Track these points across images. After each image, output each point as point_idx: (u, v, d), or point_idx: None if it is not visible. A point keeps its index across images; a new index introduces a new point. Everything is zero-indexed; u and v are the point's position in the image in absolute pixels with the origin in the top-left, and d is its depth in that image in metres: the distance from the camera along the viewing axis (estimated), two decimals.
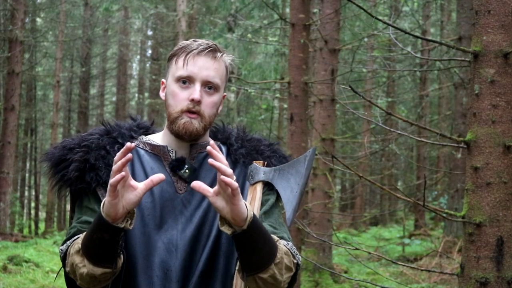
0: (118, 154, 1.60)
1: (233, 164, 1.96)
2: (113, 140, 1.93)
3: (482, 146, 2.95)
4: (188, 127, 1.85)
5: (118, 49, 24.34)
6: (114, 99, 27.12)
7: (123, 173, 1.58)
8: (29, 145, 23.63)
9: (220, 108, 1.95)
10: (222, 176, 1.58)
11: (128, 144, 1.58)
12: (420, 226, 15.51)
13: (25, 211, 23.28)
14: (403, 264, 3.42)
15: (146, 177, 1.87)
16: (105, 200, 1.64)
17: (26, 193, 24.68)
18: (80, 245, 1.73)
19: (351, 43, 10.36)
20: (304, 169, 1.85)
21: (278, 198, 1.97)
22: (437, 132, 3.27)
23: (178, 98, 1.86)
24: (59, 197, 1.93)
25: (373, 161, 19.26)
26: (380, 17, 6.84)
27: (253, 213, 1.68)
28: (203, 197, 1.86)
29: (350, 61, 10.72)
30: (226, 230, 1.67)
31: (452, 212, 3.16)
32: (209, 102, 1.87)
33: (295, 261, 1.84)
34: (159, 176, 1.65)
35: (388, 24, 3.24)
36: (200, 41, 1.90)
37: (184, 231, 1.85)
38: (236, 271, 1.80)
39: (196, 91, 1.85)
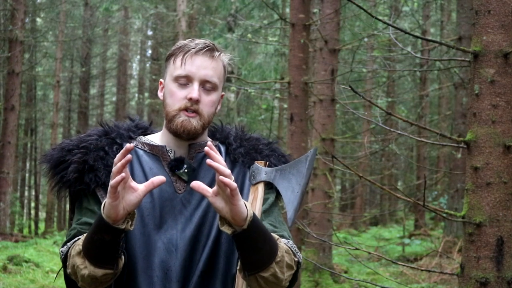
0: (118, 155, 1.59)
1: (232, 164, 1.96)
2: (112, 141, 1.93)
3: (482, 146, 2.95)
4: (186, 125, 1.85)
5: (118, 49, 24.34)
6: (114, 99, 27.12)
7: (123, 174, 1.58)
8: (29, 145, 23.63)
9: (219, 107, 1.95)
10: (220, 177, 1.58)
11: (127, 145, 1.58)
12: (420, 226, 15.51)
13: (25, 211, 23.29)
14: (403, 264, 3.42)
15: (145, 177, 1.87)
16: (106, 201, 1.64)
17: (26, 193, 24.68)
18: (81, 247, 1.73)
19: (351, 43, 10.36)
20: (305, 169, 1.85)
21: (278, 196, 1.97)
22: (437, 132, 3.27)
23: (176, 97, 1.87)
24: (59, 198, 1.93)
25: (373, 161, 19.26)
26: (380, 17, 6.84)
27: (253, 212, 1.68)
28: (203, 196, 1.86)
29: (350, 61, 10.72)
30: (226, 230, 1.68)
31: (452, 212, 3.16)
32: (207, 101, 1.88)
33: (296, 259, 1.84)
34: (159, 179, 1.65)
35: (388, 24, 3.24)
36: (197, 41, 1.90)
37: (184, 231, 1.84)
38: (237, 271, 1.80)
39: (194, 90, 1.85)
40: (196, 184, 1.63)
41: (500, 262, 2.90)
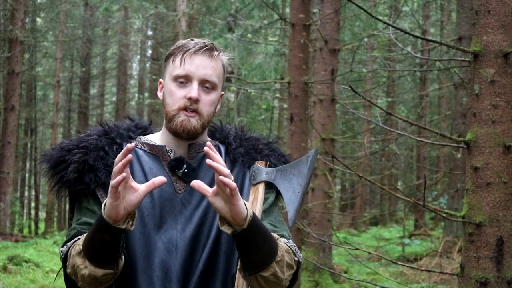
0: (119, 155, 1.59)
1: (232, 163, 1.96)
2: (112, 141, 1.93)
3: (482, 146, 2.95)
4: (186, 125, 1.85)
5: (118, 49, 24.34)
6: (114, 99, 27.13)
7: (124, 174, 1.58)
8: (29, 145, 23.64)
9: (218, 107, 1.95)
10: (220, 177, 1.58)
11: (128, 145, 1.58)
12: (420, 226, 15.51)
13: (25, 211, 23.29)
14: (403, 264, 3.42)
15: (145, 177, 1.87)
16: (106, 201, 1.64)
17: (26, 193, 24.68)
18: (81, 247, 1.73)
19: (351, 43, 10.36)
20: (306, 170, 1.85)
21: (278, 196, 1.97)
22: (437, 132, 3.27)
23: (176, 96, 1.87)
24: (59, 198, 1.93)
25: (373, 161, 19.26)
26: (380, 17, 6.84)
27: (253, 212, 1.68)
28: (203, 196, 1.86)
29: (350, 61, 10.72)
30: (226, 229, 1.68)
31: (452, 212, 3.16)
32: (207, 101, 1.88)
33: (296, 258, 1.84)
34: (160, 179, 1.65)
35: (388, 24, 3.24)
36: (196, 40, 1.91)
37: (183, 231, 1.84)
38: (237, 270, 1.80)
39: (193, 89, 1.85)
40: (197, 183, 1.63)
41: (500, 262, 2.90)
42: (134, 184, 1.65)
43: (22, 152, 22.58)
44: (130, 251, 1.81)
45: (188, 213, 1.87)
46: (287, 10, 13.75)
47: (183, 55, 1.87)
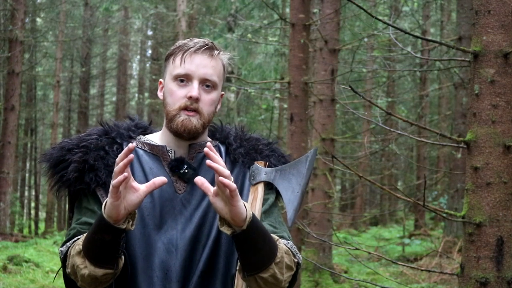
0: (120, 155, 1.59)
1: (232, 164, 1.96)
2: (112, 141, 1.93)
3: (482, 146, 2.95)
4: (187, 124, 1.85)
5: (118, 49, 24.34)
6: (114, 99, 27.13)
7: (125, 174, 1.58)
8: (29, 145, 23.64)
9: (219, 106, 1.95)
10: (220, 178, 1.58)
11: (129, 145, 1.59)
12: (420, 226, 15.51)
13: (25, 211, 23.29)
14: (403, 264, 3.42)
15: (145, 177, 1.87)
16: (107, 201, 1.64)
17: (26, 193, 24.69)
18: (81, 247, 1.73)
19: (351, 43, 10.36)
20: (306, 170, 1.85)
21: (278, 197, 1.97)
22: (437, 132, 3.27)
23: (176, 96, 1.86)
24: (58, 198, 1.93)
25: (373, 161, 19.27)
26: (380, 17, 6.84)
27: (252, 213, 1.68)
28: (203, 197, 1.86)
29: (350, 61, 10.72)
30: (226, 230, 1.67)
31: (452, 212, 3.16)
32: (207, 100, 1.87)
33: (295, 260, 1.84)
34: (161, 179, 1.65)
35: (388, 24, 3.24)
36: (197, 40, 1.91)
37: (184, 231, 1.84)
38: (236, 271, 1.80)
39: (194, 88, 1.85)
40: (200, 180, 1.63)
41: (500, 262, 2.90)
42: (135, 184, 1.65)
43: (22, 152, 22.58)
44: (130, 251, 1.81)
45: (188, 213, 1.86)
46: (287, 10, 13.75)
47: (183, 55, 1.87)
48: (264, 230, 1.73)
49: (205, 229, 1.86)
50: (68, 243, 1.82)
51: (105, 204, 1.65)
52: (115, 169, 1.59)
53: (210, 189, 1.63)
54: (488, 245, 2.92)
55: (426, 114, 16.35)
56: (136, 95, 28.06)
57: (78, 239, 1.79)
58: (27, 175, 24.51)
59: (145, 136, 2.00)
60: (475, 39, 3.00)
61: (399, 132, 3.48)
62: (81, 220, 1.86)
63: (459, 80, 10.38)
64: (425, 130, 10.60)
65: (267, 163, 1.94)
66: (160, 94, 1.96)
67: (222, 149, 2.00)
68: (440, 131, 3.95)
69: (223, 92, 1.97)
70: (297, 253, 1.87)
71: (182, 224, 1.85)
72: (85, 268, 1.72)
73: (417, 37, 3.41)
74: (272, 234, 1.79)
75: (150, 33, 25.47)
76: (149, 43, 26.00)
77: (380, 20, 3.21)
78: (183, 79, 1.87)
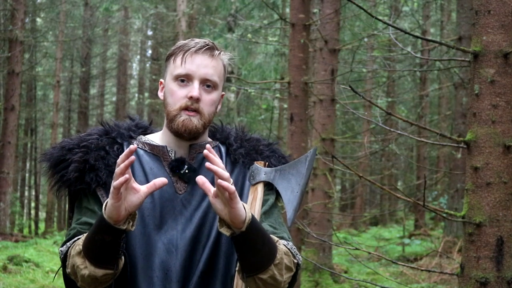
0: (121, 156, 1.60)
1: (232, 164, 1.96)
2: (112, 140, 1.93)
3: (482, 146, 2.95)
4: (188, 124, 1.85)
5: (118, 49, 24.34)
6: (114, 99, 27.13)
7: (127, 175, 1.58)
8: (29, 145, 23.64)
9: (219, 107, 1.95)
10: (219, 180, 1.58)
11: (131, 146, 1.59)
12: (420, 226, 15.50)
13: (25, 211, 23.29)
14: (403, 264, 3.42)
15: (146, 177, 1.87)
16: (108, 202, 1.64)
17: (26, 193, 24.68)
18: (81, 247, 1.73)
19: (351, 43, 10.36)
20: (305, 169, 1.85)
21: (278, 197, 1.96)
22: (437, 132, 3.27)
23: (177, 96, 1.86)
24: (58, 198, 1.93)
25: (373, 161, 19.26)
26: (380, 17, 6.84)
27: (252, 214, 1.68)
28: (203, 197, 1.86)
29: (350, 61, 10.72)
30: (225, 231, 1.68)
31: (452, 212, 3.16)
32: (208, 100, 1.87)
33: (295, 261, 1.84)
34: (161, 180, 1.65)
35: (388, 24, 3.24)
36: (197, 40, 1.91)
37: (184, 231, 1.84)
38: (236, 272, 1.80)
39: (194, 88, 1.85)
40: (201, 180, 1.63)
41: (500, 262, 2.90)
42: (135, 185, 1.65)
43: (22, 152, 22.58)
44: (130, 251, 1.81)
45: (189, 213, 1.86)
46: (287, 10, 13.75)
47: (184, 55, 1.87)
48: (264, 231, 1.73)
49: (205, 230, 1.86)
50: (68, 243, 1.82)
51: (106, 205, 1.65)
52: (116, 170, 1.59)
53: (211, 189, 1.63)
54: (488, 245, 2.92)
55: (426, 114, 16.35)
56: (136, 95, 28.06)
57: (78, 239, 1.79)
58: (27, 175, 24.51)
59: (146, 136, 2.00)
60: (475, 39, 3.00)
61: (399, 132, 3.48)
62: (81, 220, 1.86)
63: (459, 80, 10.38)
64: (425, 130, 10.60)
65: (267, 163, 1.94)
66: (160, 94, 1.96)
67: (223, 149, 2.00)
68: (440, 131, 3.95)
69: (223, 93, 1.97)
70: (297, 254, 1.86)
71: (182, 224, 1.85)
72: (85, 268, 1.72)
73: (417, 37, 3.42)
74: (272, 235, 1.79)
75: (150, 33, 25.47)
76: (149, 43, 26.01)
77: (380, 20, 3.21)
78: (184, 79, 1.87)
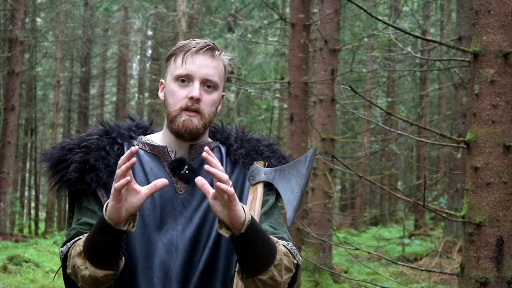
0: (122, 158, 1.60)
1: (233, 165, 1.96)
2: (113, 141, 1.93)
3: (482, 146, 2.95)
4: (188, 125, 1.85)
5: (118, 49, 24.34)
6: (114, 99, 27.13)
7: (128, 178, 1.58)
8: (29, 145, 23.64)
9: (219, 107, 1.95)
10: (218, 183, 1.58)
11: (132, 148, 1.59)
12: (420, 226, 15.50)
13: (25, 211, 23.29)
14: (403, 264, 3.42)
15: (146, 177, 1.87)
16: (108, 203, 1.64)
17: (26, 193, 24.68)
18: (81, 247, 1.73)
19: (351, 43, 10.36)
20: (305, 169, 1.85)
21: (278, 198, 1.96)
22: (437, 132, 3.27)
23: (177, 96, 1.86)
24: (59, 198, 1.93)
25: (373, 161, 19.26)
26: (380, 17, 6.84)
27: (251, 216, 1.68)
28: (203, 197, 1.86)
29: (350, 61, 10.72)
30: (225, 233, 1.68)
31: (452, 212, 3.16)
32: (208, 100, 1.88)
33: (295, 261, 1.84)
34: (162, 181, 1.65)
35: (388, 24, 3.24)
36: (198, 40, 1.91)
37: (184, 231, 1.84)
38: (235, 273, 1.80)
39: (195, 89, 1.85)
40: (200, 181, 1.63)
41: (500, 262, 2.90)
42: (136, 186, 1.65)
43: (22, 152, 22.58)
44: (131, 252, 1.81)
45: (189, 214, 1.87)
46: (287, 10, 13.75)
47: (184, 55, 1.87)
48: (263, 232, 1.73)
49: (205, 230, 1.86)
50: (68, 244, 1.82)
51: (106, 206, 1.65)
52: (117, 172, 1.59)
53: (210, 191, 1.63)
54: (488, 245, 2.92)
55: (426, 114, 16.35)
56: (136, 95, 28.06)
57: (79, 239, 1.79)
58: (27, 175, 24.51)
59: (146, 136, 2.00)
60: (475, 39, 3.00)
61: (399, 132, 3.48)
62: (81, 221, 1.86)
63: (459, 80, 10.38)
64: (425, 130, 10.60)
65: (266, 163, 1.94)
66: (161, 95, 1.96)
67: (223, 150, 2.00)
68: (440, 131, 3.95)
69: (224, 93, 1.97)
70: (296, 254, 1.86)
71: (182, 224, 1.85)
72: (86, 269, 1.72)
73: (417, 37, 3.42)
74: (271, 236, 1.79)
75: (150, 33, 25.47)
76: (149, 43, 26.00)
77: (380, 20, 3.21)
78: (184, 79, 1.87)
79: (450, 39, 11.46)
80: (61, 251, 1.84)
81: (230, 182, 1.62)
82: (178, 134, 1.88)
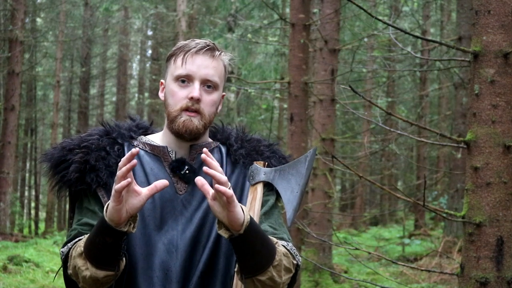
0: (123, 159, 1.60)
1: (233, 165, 1.96)
2: (113, 141, 1.93)
3: (482, 146, 2.95)
4: (188, 125, 1.85)
5: (118, 49, 24.33)
6: (114, 99, 27.12)
7: (128, 179, 1.59)
8: (29, 145, 23.64)
9: (220, 107, 1.95)
10: (216, 185, 1.59)
11: (132, 150, 1.59)
12: (420, 226, 15.50)
13: (25, 211, 23.28)
14: (403, 264, 3.42)
15: (146, 177, 1.88)
16: (109, 205, 1.64)
17: (26, 193, 24.68)
18: (82, 248, 1.73)
19: (351, 43, 10.36)
20: (305, 169, 1.85)
21: (278, 198, 1.96)
22: (437, 132, 3.27)
23: (177, 96, 1.87)
24: (59, 198, 1.93)
25: (373, 161, 19.26)
26: (380, 17, 6.84)
27: (250, 217, 1.68)
28: (203, 198, 1.86)
29: (350, 61, 10.72)
30: (224, 233, 1.68)
31: (452, 212, 3.16)
32: (208, 101, 1.88)
33: (294, 262, 1.84)
34: (163, 182, 1.65)
35: (388, 24, 3.24)
36: (198, 40, 1.91)
37: (184, 231, 1.85)
38: (235, 273, 1.80)
39: (195, 89, 1.85)
40: (200, 181, 1.63)
41: (500, 262, 2.90)
42: (137, 187, 1.65)
43: (22, 152, 22.58)
44: (131, 252, 1.82)
45: (189, 214, 1.87)
46: (287, 10, 13.75)
47: (184, 55, 1.87)
48: (262, 233, 1.73)
49: (205, 230, 1.86)
50: (69, 244, 1.82)
51: (107, 207, 1.65)
52: (117, 173, 1.60)
53: (210, 191, 1.63)
54: (488, 245, 2.92)
55: (426, 114, 16.35)
56: (136, 95, 28.06)
57: (79, 240, 1.79)
58: (27, 175, 24.51)
59: (146, 136, 2.00)
60: (475, 39, 3.00)
61: (399, 132, 3.48)
62: (82, 221, 1.86)
63: (459, 80, 10.38)
64: (425, 130, 10.61)
65: (266, 163, 1.94)
66: (161, 95, 1.97)
67: (223, 150, 2.00)
68: (440, 131, 3.95)
69: (224, 93, 1.97)
70: (296, 255, 1.86)
71: (182, 224, 1.85)
72: (87, 269, 1.72)
73: (417, 37, 3.42)
74: (271, 236, 1.80)
75: (150, 33, 25.46)
76: (149, 43, 26.00)
77: (380, 20, 3.21)
78: (184, 79, 1.87)
79: (450, 39, 11.46)
80: (61, 251, 1.84)
81: (229, 184, 1.62)
82: (179, 134, 1.88)
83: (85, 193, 1.88)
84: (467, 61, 3.14)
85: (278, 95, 12.16)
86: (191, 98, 1.84)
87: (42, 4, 19.88)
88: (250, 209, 1.84)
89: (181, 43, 1.93)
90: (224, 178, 1.61)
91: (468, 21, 9.95)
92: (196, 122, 1.85)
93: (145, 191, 1.65)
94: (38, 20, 21.00)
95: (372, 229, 18.78)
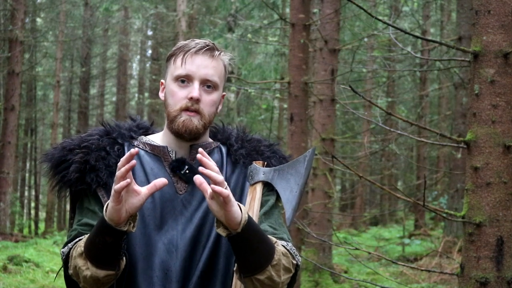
0: (122, 160, 1.60)
1: (233, 165, 1.96)
2: (113, 141, 1.94)
3: (482, 146, 2.95)
4: (188, 125, 1.85)
5: (118, 49, 24.33)
6: (114, 99, 27.12)
7: (128, 179, 1.59)
8: (29, 145, 23.63)
9: (220, 107, 1.95)
10: (212, 185, 1.59)
11: (132, 150, 1.60)
12: (420, 226, 15.50)
13: (25, 211, 23.28)
14: (403, 264, 3.42)
15: (146, 177, 1.88)
16: (108, 204, 1.65)
17: (26, 193, 24.67)
18: (82, 248, 1.74)
19: (351, 43, 10.36)
20: (304, 169, 1.85)
21: (278, 198, 1.96)
22: (437, 132, 3.27)
23: (177, 96, 1.87)
24: (59, 198, 1.93)
25: (373, 161, 19.26)
26: (380, 17, 6.84)
27: (248, 215, 1.68)
28: (203, 197, 1.86)
29: (350, 61, 10.72)
30: (222, 232, 1.69)
31: (452, 212, 3.16)
32: (208, 101, 1.88)
33: (294, 261, 1.84)
34: (162, 181, 1.66)
35: (388, 24, 3.24)
36: (198, 40, 1.91)
37: (184, 231, 1.85)
38: (234, 272, 1.80)
39: (195, 89, 1.85)
40: (199, 180, 1.63)
41: (500, 262, 2.90)
42: (136, 187, 1.66)
43: (22, 152, 22.57)
44: (131, 251, 1.82)
45: (189, 214, 1.87)
46: (287, 10, 13.74)
47: (184, 55, 1.87)
48: (261, 232, 1.73)
49: (205, 230, 1.86)
50: (69, 244, 1.83)
51: (107, 207, 1.66)
52: (117, 173, 1.60)
53: (208, 190, 1.64)
54: (488, 245, 2.92)
55: (426, 114, 16.35)
56: (136, 95, 28.06)
57: (80, 240, 1.80)
58: (27, 175, 24.51)
59: (147, 136, 2.00)
60: (475, 39, 3.00)
61: (399, 132, 3.48)
62: (82, 221, 1.86)
63: (459, 80, 10.38)
64: (425, 130, 10.61)
65: (265, 163, 1.94)
66: (161, 95, 1.97)
67: (224, 150, 2.00)
68: (440, 131, 3.95)
69: (224, 93, 1.97)
70: (296, 255, 1.86)
71: (182, 224, 1.85)
72: (87, 269, 1.72)
73: (417, 37, 3.41)
74: (270, 236, 1.80)
75: (150, 33, 25.46)
76: (149, 43, 26.00)
77: (380, 20, 3.21)
78: (184, 79, 1.87)
79: (450, 39, 11.46)
80: (62, 251, 1.84)
81: (226, 183, 1.63)
82: (178, 134, 1.88)
83: (85, 193, 1.88)
84: (467, 61, 3.14)
85: (278, 95, 12.16)
86: (191, 98, 1.84)
87: (42, 4, 19.88)
88: (249, 209, 1.84)
89: (181, 43, 1.93)
90: (220, 178, 1.61)
91: (468, 21, 9.95)
92: (195, 122, 1.86)
93: (144, 190, 1.65)
94: (38, 20, 21.00)
95: (372, 229, 18.77)
